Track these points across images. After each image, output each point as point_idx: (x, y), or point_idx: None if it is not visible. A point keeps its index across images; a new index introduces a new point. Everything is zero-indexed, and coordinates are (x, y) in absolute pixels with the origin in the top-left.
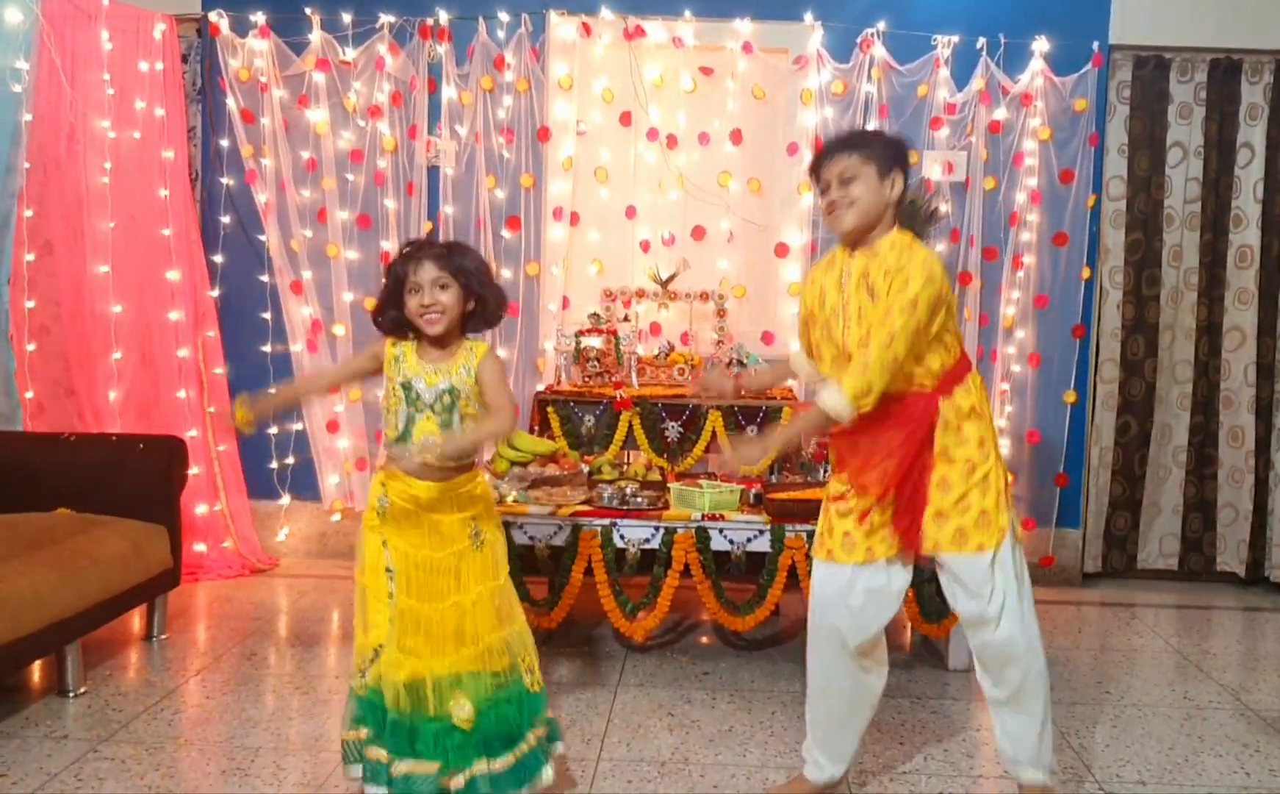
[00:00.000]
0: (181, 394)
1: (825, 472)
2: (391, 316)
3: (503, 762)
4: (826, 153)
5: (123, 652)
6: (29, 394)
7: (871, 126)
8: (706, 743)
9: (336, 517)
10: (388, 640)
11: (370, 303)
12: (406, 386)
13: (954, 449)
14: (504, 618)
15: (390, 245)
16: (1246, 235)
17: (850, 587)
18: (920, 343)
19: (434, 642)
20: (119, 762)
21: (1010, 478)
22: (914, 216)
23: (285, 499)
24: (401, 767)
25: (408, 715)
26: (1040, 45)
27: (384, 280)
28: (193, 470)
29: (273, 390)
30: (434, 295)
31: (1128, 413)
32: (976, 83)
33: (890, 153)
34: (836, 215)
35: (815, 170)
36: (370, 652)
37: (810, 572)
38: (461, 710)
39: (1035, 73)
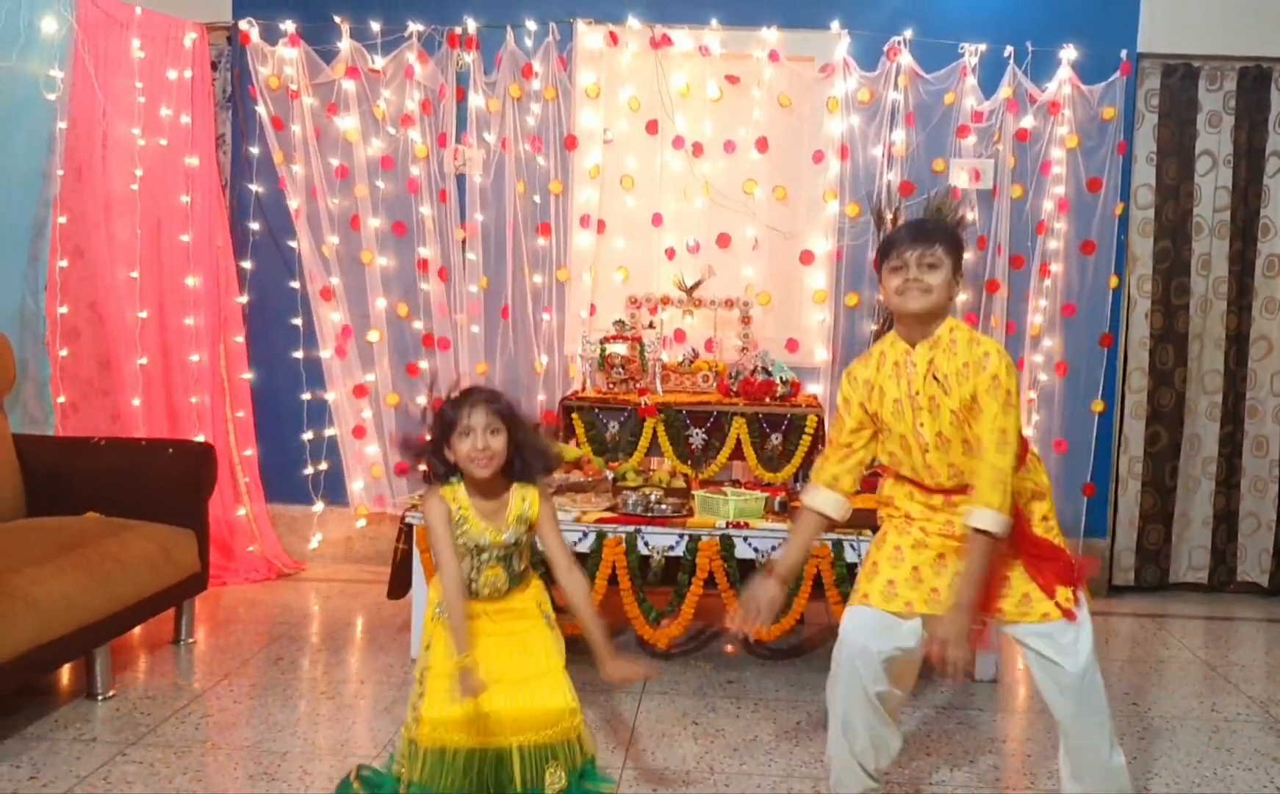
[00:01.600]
0: (194, 399)
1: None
2: (439, 458)
3: None
4: (915, 237)
5: (150, 655)
6: (60, 398)
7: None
8: (731, 752)
9: (362, 522)
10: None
11: (404, 309)
12: (476, 549)
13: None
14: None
15: (425, 252)
16: (1275, 244)
17: (883, 634)
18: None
19: (516, 715)
20: (147, 765)
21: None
22: (941, 223)
23: (319, 505)
24: None
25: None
26: (1068, 53)
27: (431, 425)
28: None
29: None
30: (485, 440)
31: (1157, 423)
32: (1004, 91)
33: (960, 255)
34: (908, 296)
35: (892, 246)
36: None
37: (835, 581)
38: (556, 782)
39: (1063, 81)
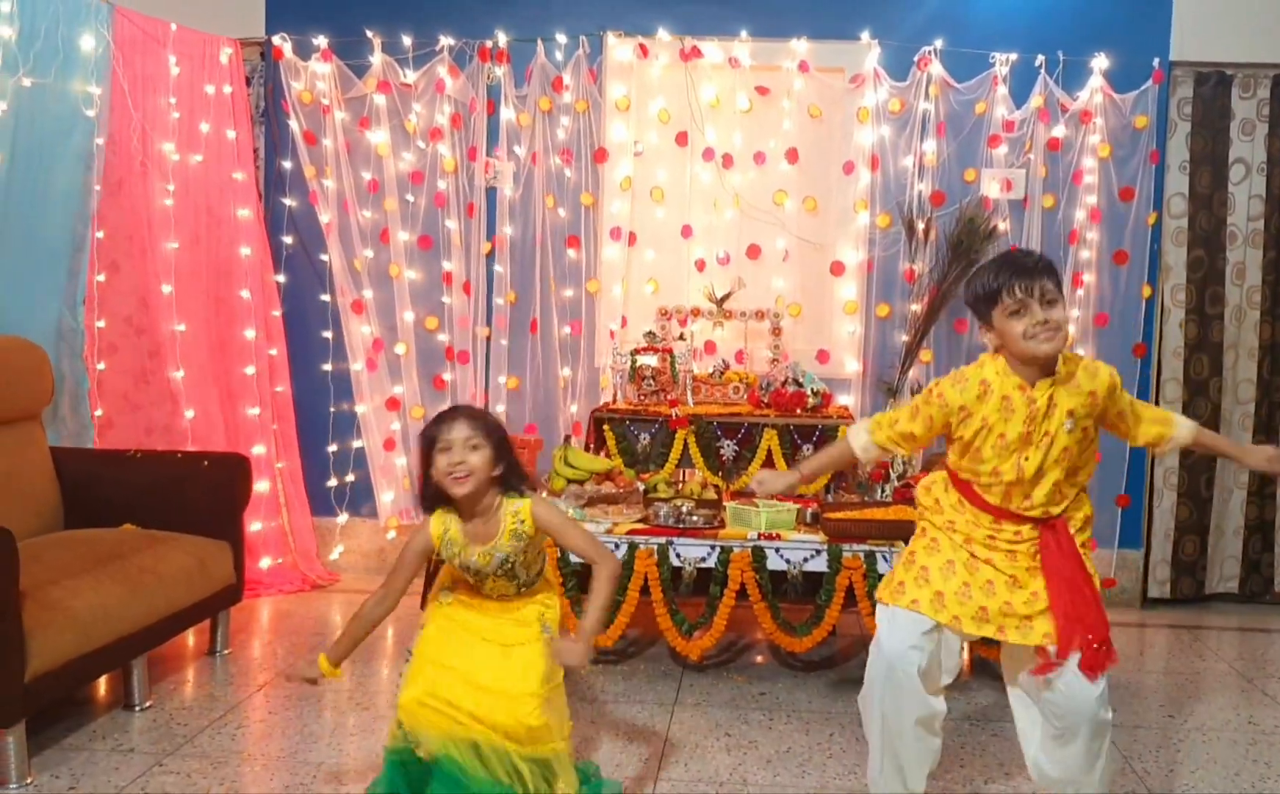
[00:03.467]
0: (254, 411)
1: (882, 491)
2: (432, 486)
3: None
4: (1025, 273)
5: (187, 666)
6: (98, 412)
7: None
8: (764, 764)
9: (392, 534)
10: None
11: (432, 322)
12: (465, 567)
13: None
14: (559, 720)
15: (451, 266)
16: None
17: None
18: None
19: (480, 720)
20: (184, 776)
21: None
22: (972, 234)
23: (343, 517)
24: None
25: (453, 762)
26: (1100, 62)
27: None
28: (260, 485)
29: (337, 640)
30: (464, 454)
31: None
32: (1035, 100)
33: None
34: (1039, 341)
35: (1000, 288)
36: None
37: (868, 592)
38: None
39: (1095, 90)
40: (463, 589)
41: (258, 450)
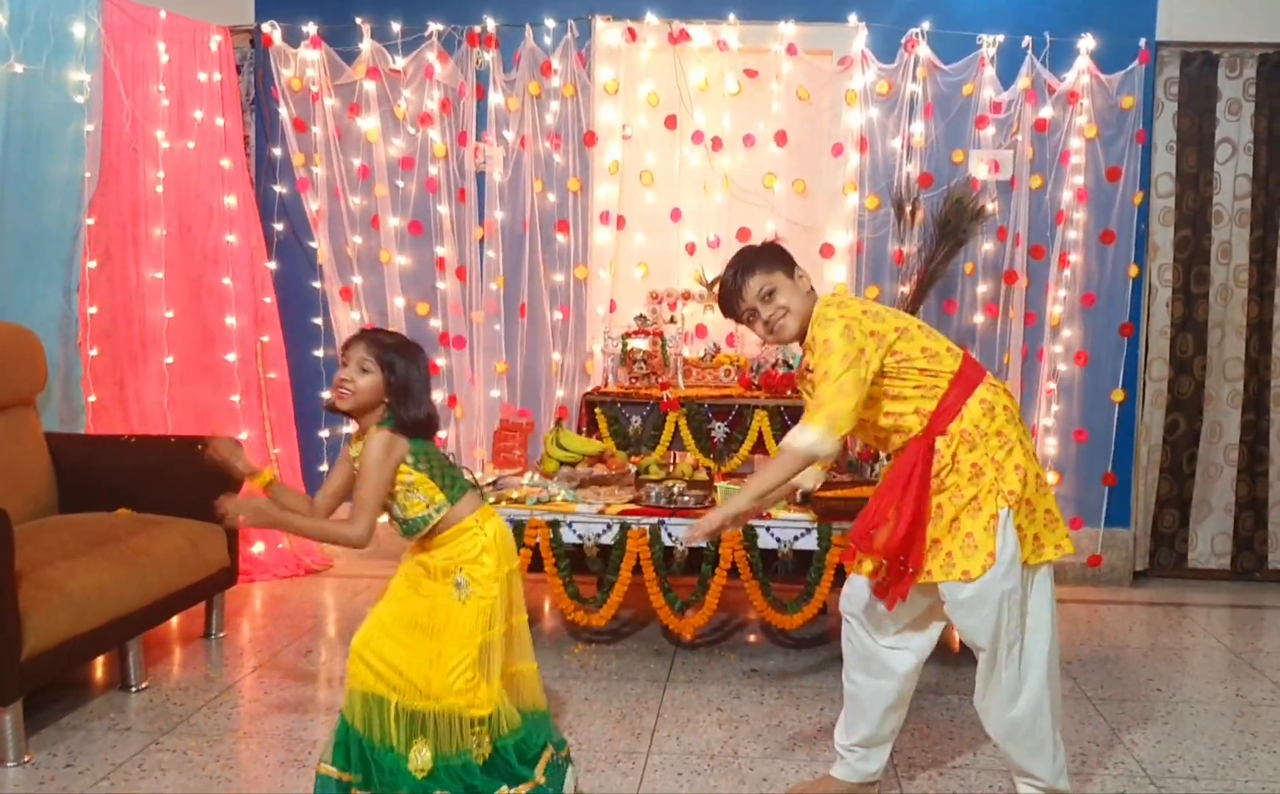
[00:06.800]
0: (235, 397)
1: (873, 470)
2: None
3: None
4: (733, 289)
5: (182, 648)
6: (91, 397)
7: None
8: (755, 737)
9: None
10: (363, 645)
11: (423, 308)
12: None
13: (947, 477)
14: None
15: (443, 251)
16: None
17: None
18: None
19: (404, 671)
20: (180, 753)
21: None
22: (960, 215)
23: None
24: None
25: (364, 737)
26: (1086, 43)
27: None
28: None
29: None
30: (351, 374)
31: (1176, 411)
32: (1022, 81)
33: (779, 254)
34: (778, 330)
35: (730, 308)
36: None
37: None
38: (419, 757)
39: (1081, 70)
40: None
41: (243, 436)
